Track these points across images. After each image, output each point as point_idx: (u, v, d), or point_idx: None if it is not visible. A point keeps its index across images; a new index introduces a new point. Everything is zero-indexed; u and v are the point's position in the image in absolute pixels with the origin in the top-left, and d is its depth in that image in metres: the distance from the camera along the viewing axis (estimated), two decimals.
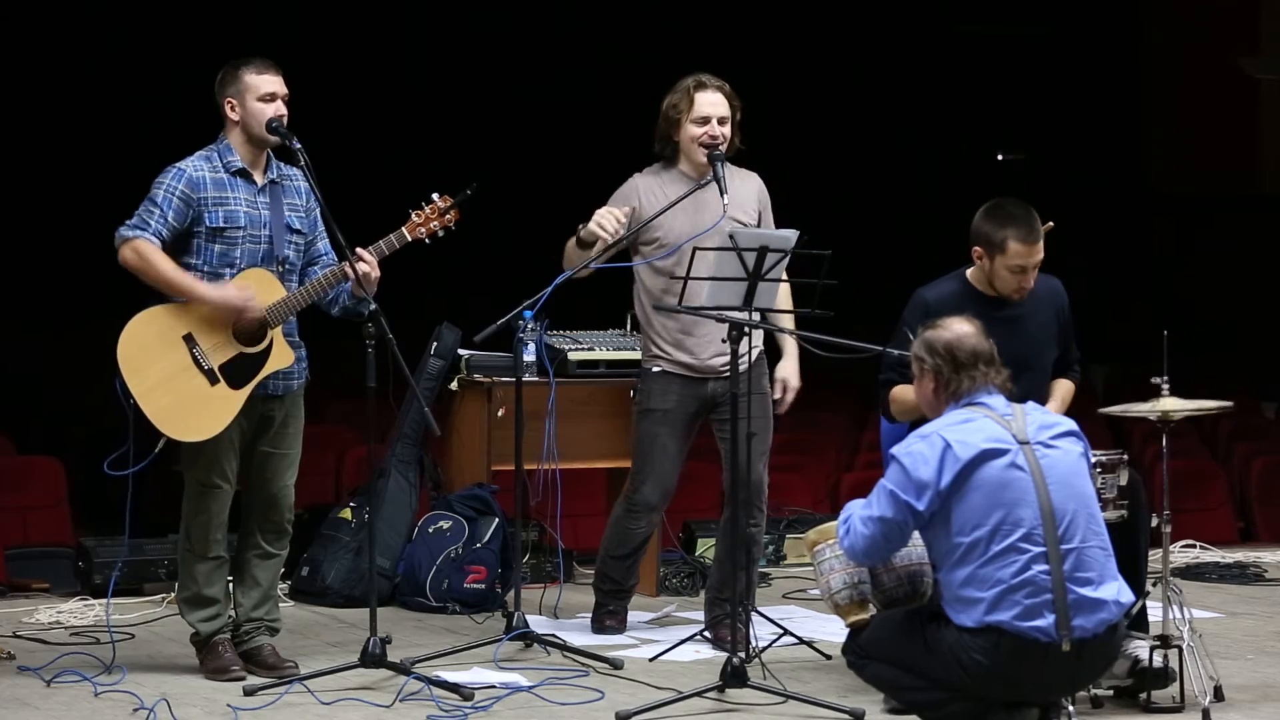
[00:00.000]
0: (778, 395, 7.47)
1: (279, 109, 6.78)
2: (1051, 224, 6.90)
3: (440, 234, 6.93)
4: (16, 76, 13.99)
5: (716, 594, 7.52)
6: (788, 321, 7.31)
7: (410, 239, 6.88)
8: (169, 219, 6.68)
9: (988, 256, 6.60)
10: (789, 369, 7.48)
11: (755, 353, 7.27)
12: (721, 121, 7.31)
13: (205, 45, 11.64)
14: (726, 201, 7.16)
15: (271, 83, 6.79)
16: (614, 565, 7.69)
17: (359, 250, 6.72)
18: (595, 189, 7.61)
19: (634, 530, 7.59)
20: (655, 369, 7.43)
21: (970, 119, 17.50)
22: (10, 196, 13.63)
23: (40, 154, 14.02)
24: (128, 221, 6.70)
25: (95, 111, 14.25)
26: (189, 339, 6.66)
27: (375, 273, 6.74)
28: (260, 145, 6.81)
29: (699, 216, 7.29)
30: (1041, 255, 6.60)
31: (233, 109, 6.79)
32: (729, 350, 6.59)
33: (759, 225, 7.39)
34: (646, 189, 7.41)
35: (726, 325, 6.61)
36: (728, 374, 7.05)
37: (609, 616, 7.72)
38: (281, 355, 6.76)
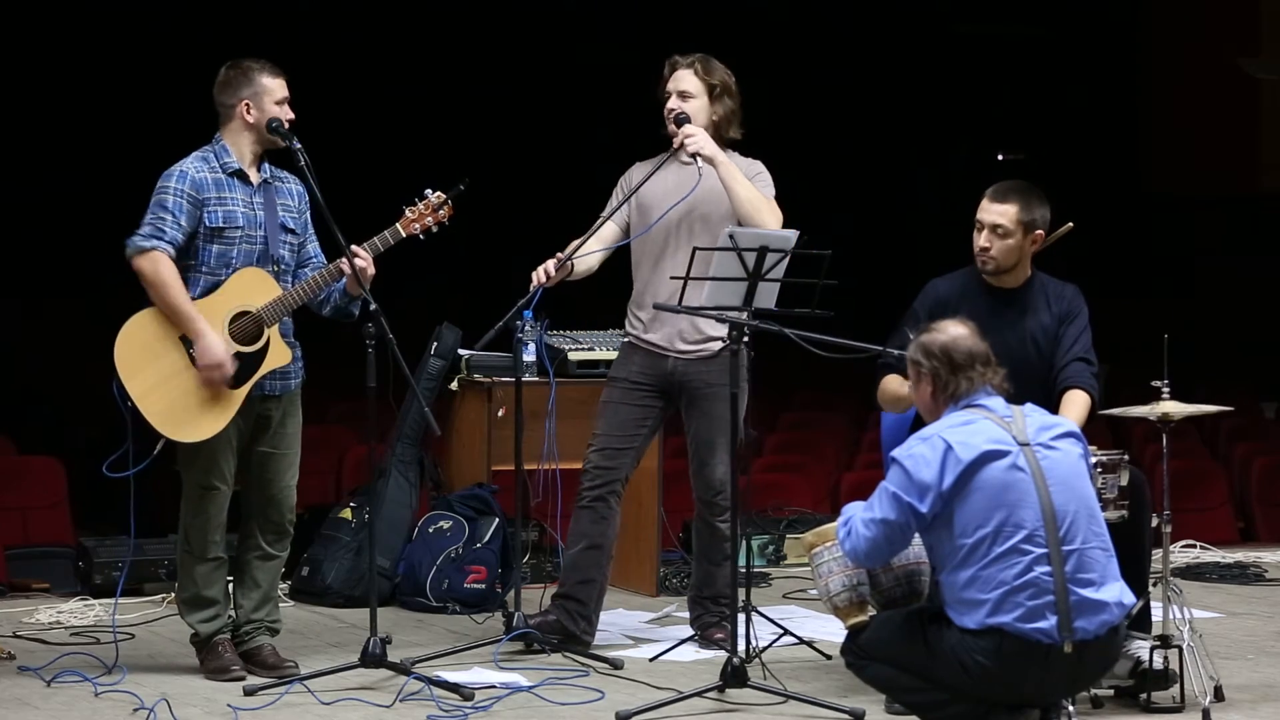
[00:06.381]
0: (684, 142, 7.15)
1: (287, 112, 6.80)
2: (1071, 225, 6.93)
3: (434, 229, 6.94)
4: (16, 74, 13.99)
5: (697, 592, 7.51)
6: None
7: (404, 235, 6.90)
8: (182, 223, 6.67)
9: None
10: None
11: (716, 345, 7.20)
12: (684, 96, 7.20)
13: (201, 44, 11.64)
14: (701, 165, 7.06)
15: (284, 87, 6.80)
16: (565, 554, 7.42)
17: (354, 247, 6.72)
18: (590, 186, 7.61)
19: (581, 502, 7.26)
20: (624, 339, 7.44)
21: (969, 119, 17.50)
22: (12, 195, 13.62)
23: (43, 151, 14.02)
24: (140, 231, 6.67)
25: (96, 108, 14.25)
26: (185, 340, 6.66)
27: (371, 269, 6.75)
28: (268, 147, 6.82)
29: (674, 190, 7.20)
30: (1000, 222, 6.54)
31: (248, 110, 6.76)
32: (683, 334, 7.08)
33: None
34: (638, 173, 7.35)
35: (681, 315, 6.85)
36: (686, 355, 7.22)
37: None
38: (279, 354, 6.76)
